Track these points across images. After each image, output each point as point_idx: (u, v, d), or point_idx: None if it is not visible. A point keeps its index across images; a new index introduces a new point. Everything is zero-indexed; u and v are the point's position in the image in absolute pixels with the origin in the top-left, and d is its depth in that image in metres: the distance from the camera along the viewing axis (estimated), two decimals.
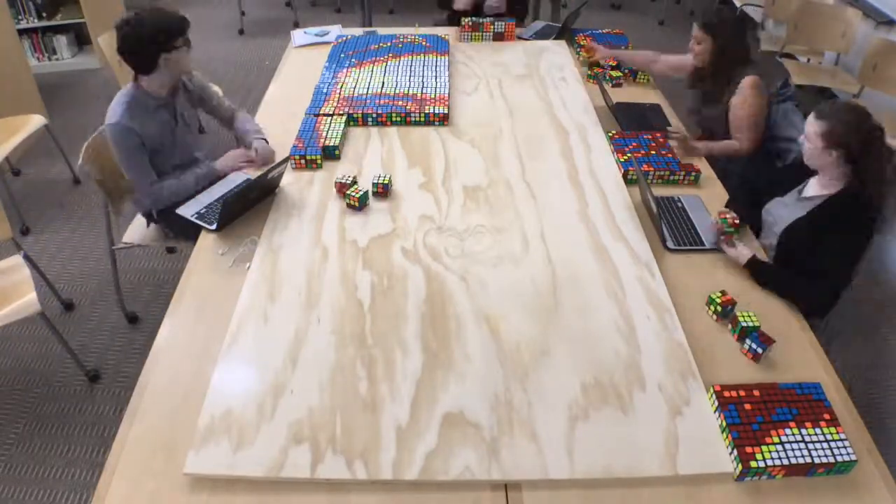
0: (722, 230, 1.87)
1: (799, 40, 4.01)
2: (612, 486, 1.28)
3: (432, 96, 2.57)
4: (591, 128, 2.45)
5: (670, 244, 1.91)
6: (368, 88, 2.64)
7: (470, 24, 3.18)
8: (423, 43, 3.06)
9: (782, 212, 1.90)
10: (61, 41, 4.73)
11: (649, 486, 1.28)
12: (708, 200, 2.09)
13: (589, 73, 2.87)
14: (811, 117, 1.77)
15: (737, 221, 1.89)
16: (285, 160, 1.98)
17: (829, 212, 1.77)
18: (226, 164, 2.25)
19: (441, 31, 3.26)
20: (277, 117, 2.53)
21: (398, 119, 2.45)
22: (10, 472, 2.14)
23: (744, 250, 1.83)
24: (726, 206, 2.04)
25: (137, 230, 2.41)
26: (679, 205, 2.07)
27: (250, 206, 1.99)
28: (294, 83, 2.82)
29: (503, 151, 2.31)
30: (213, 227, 1.92)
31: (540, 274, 1.78)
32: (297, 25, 5.36)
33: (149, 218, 2.31)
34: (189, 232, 2.02)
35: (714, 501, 1.27)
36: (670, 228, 1.97)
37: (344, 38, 3.15)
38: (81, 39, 4.85)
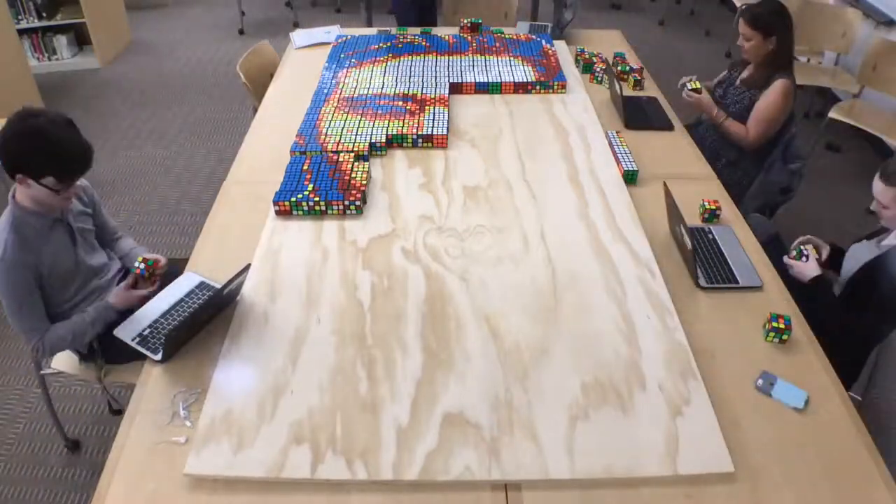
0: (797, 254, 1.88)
1: (799, 40, 3.96)
2: (612, 486, 1.28)
3: (432, 96, 2.57)
4: (591, 127, 2.45)
5: (703, 282, 1.76)
6: (368, 88, 2.64)
7: (469, 25, 3.18)
8: (423, 43, 3.06)
9: (860, 255, 1.86)
10: (61, 41, 4.73)
11: (649, 485, 1.28)
12: (739, 231, 1.97)
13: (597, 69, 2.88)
14: (880, 184, 1.73)
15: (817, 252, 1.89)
16: (244, 270, 1.59)
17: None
18: (122, 301, 1.76)
19: (442, 31, 3.26)
20: (278, 117, 2.53)
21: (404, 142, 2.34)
22: (10, 472, 2.14)
23: (812, 265, 1.81)
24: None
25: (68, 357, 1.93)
26: (710, 237, 1.93)
27: (203, 326, 1.60)
28: (294, 83, 2.82)
29: (503, 151, 2.31)
30: (158, 356, 1.52)
31: (540, 274, 1.78)
32: (297, 25, 5.36)
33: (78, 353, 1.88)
34: (127, 354, 1.59)
35: (714, 501, 1.27)
36: (702, 264, 1.82)
37: (344, 39, 3.15)
38: (81, 39, 4.86)
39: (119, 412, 2.26)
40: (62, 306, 1.77)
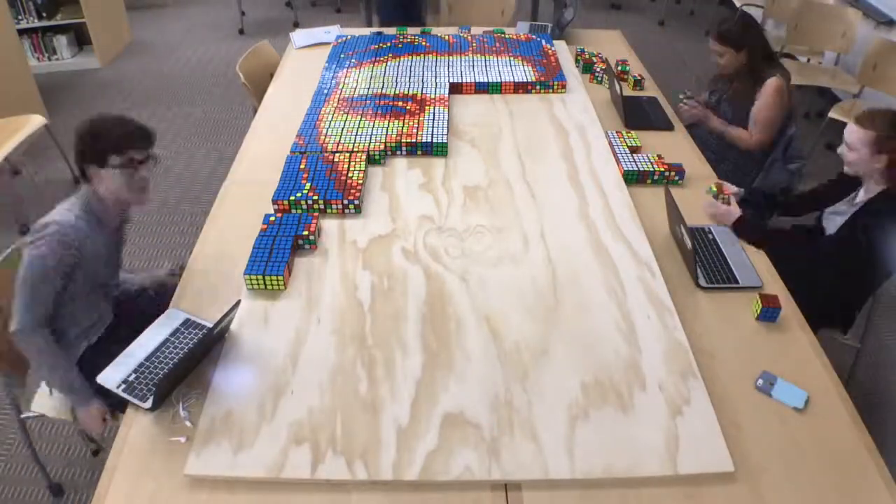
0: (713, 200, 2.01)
1: (799, 40, 4.01)
2: (612, 486, 1.28)
3: (432, 96, 2.57)
4: (591, 127, 2.45)
5: (703, 282, 1.76)
6: (368, 89, 2.64)
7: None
8: (423, 43, 3.06)
9: (837, 220, 1.96)
10: (61, 41, 4.73)
11: (649, 485, 1.28)
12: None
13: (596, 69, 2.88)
14: (854, 128, 1.81)
15: (728, 192, 2.04)
16: (235, 306, 1.52)
17: (872, 208, 1.84)
18: (86, 424, 1.64)
19: (442, 31, 3.26)
20: (278, 118, 2.53)
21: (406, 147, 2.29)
22: (9, 471, 2.14)
23: (734, 209, 1.95)
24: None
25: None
26: (710, 237, 1.92)
27: (193, 367, 1.51)
28: (294, 83, 2.82)
29: (503, 151, 2.31)
30: (148, 404, 1.42)
31: (540, 274, 1.78)
32: (297, 25, 5.36)
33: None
34: (110, 394, 1.51)
35: (714, 501, 1.27)
36: (702, 264, 1.82)
37: (344, 39, 3.15)
38: (81, 39, 4.86)
39: (97, 453, 2.17)
40: (65, 307, 1.65)
